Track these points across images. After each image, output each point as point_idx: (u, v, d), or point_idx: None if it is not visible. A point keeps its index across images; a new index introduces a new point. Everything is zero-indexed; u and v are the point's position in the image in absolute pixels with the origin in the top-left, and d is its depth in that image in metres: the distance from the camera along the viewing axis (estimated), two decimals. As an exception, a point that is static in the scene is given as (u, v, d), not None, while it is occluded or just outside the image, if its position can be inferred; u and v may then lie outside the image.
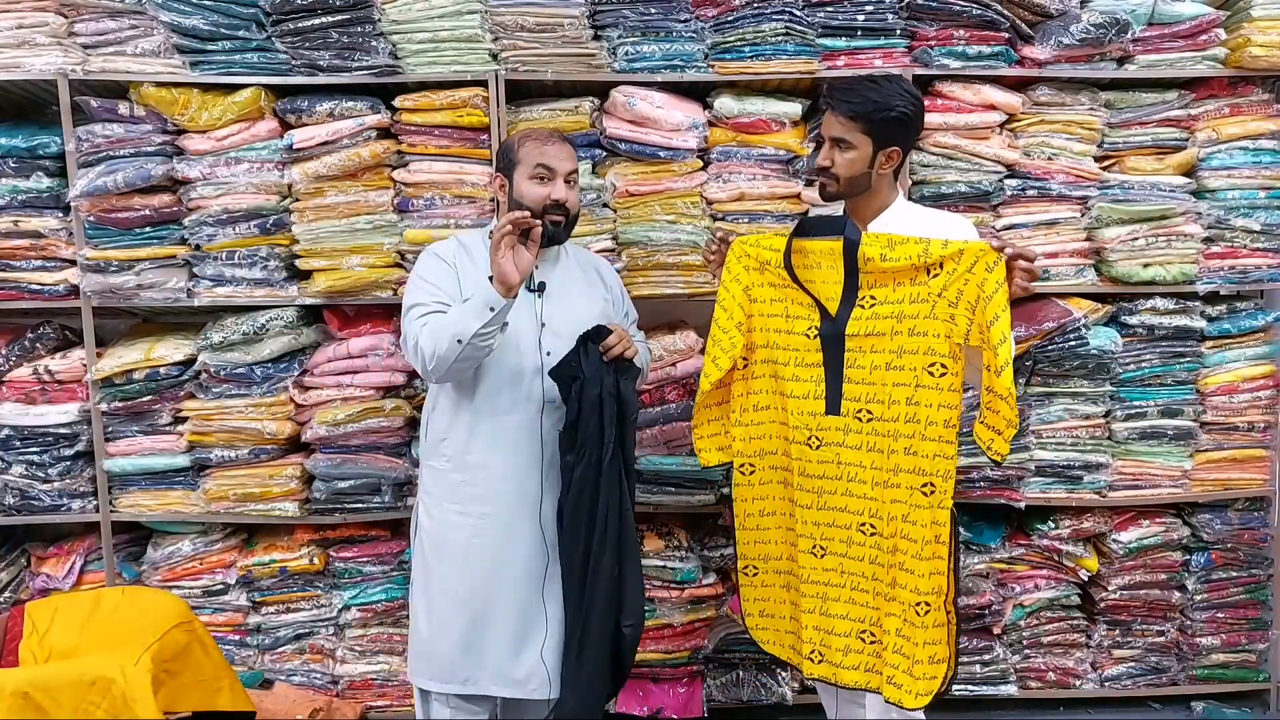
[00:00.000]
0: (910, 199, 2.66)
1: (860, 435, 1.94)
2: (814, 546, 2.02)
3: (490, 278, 1.90)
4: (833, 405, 1.95)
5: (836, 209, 2.18)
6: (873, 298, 1.90)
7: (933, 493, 1.85)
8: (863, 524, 1.95)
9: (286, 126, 2.68)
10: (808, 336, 1.98)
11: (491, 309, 1.88)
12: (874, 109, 1.94)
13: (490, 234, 2.03)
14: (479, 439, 2.09)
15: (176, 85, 2.60)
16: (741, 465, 2.11)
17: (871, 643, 1.97)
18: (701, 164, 2.73)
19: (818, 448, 1.98)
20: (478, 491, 2.09)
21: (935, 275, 1.83)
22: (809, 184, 2.68)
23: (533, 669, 2.10)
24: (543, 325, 2.09)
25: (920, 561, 1.87)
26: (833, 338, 1.93)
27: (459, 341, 1.89)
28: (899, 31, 2.66)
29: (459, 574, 2.10)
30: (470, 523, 2.09)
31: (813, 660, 2.04)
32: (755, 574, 2.14)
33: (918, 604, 1.87)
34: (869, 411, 1.92)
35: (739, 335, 2.04)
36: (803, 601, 2.05)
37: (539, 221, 1.92)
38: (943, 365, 1.83)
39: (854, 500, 1.96)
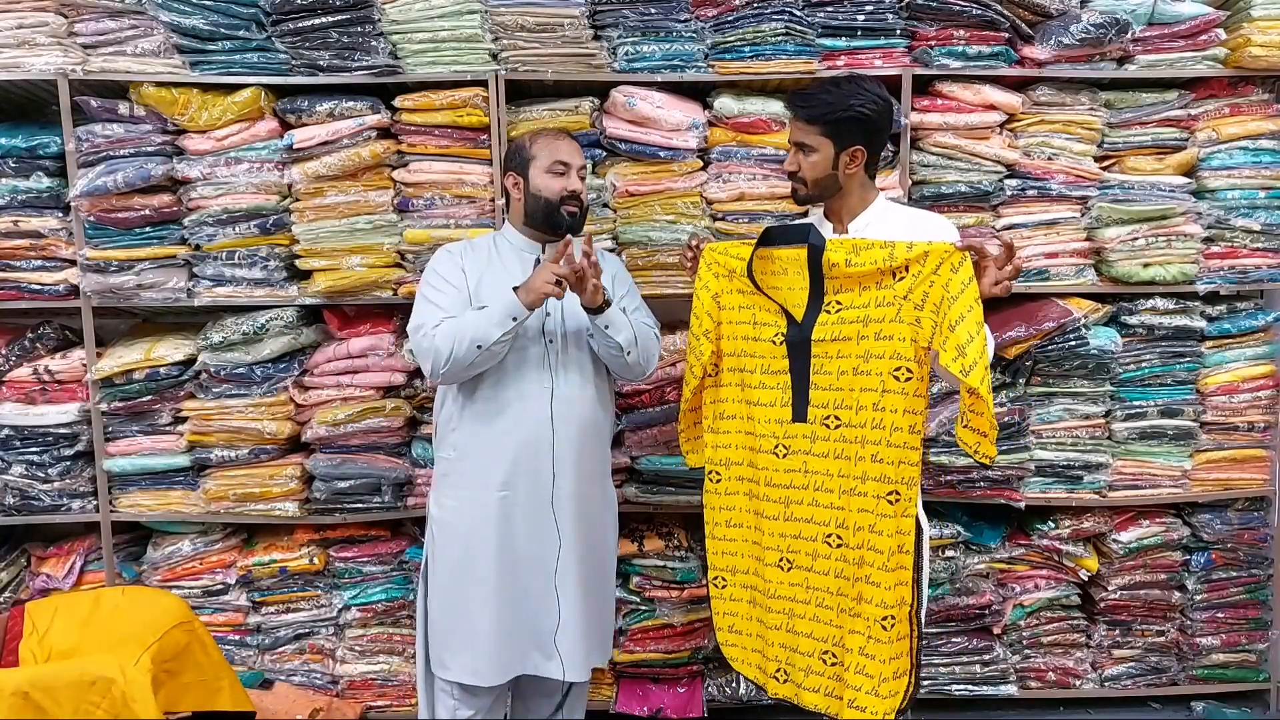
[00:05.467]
0: (910, 199, 2.67)
1: (828, 443, 1.90)
2: (780, 559, 1.98)
3: (515, 289, 2.02)
4: (799, 413, 1.93)
5: (817, 211, 2.18)
6: (839, 303, 1.88)
7: (897, 501, 1.83)
8: (829, 535, 1.91)
9: (286, 126, 2.68)
10: (774, 343, 1.96)
11: (514, 319, 2.00)
12: (828, 110, 1.93)
13: (497, 240, 2.19)
14: (489, 427, 2.11)
15: (176, 85, 2.60)
16: (711, 473, 2.09)
17: (832, 664, 1.94)
18: (701, 164, 2.73)
19: (784, 456, 1.96)
20: (489, 478, 2.11)
21: (901, 278, 1.81)
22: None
23: (547, 653, 2.16)
24: (547, 314, 2.15)
25: (886, 573, 1.84)
26: (799, 343, 1.92)
27: (478, 347, 2.00)
28: (899, 31, 2.66)
29: (471, 561, 2.13)
30: (479, 510, 2.12)
31: (778, 679, 2.02)
32: (724, 586, 2.11)
33: (884, 618, 1.84)
34: (836, 418, 1.89)
35: (708, 343, 2.04)
36: (769, 617, 2.02)
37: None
38: (908, 370, 1.81)
39: (820, 510, 1.92)
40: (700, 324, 2.04)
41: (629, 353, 2.14)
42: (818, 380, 1.91)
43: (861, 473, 1.87)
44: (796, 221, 2.16)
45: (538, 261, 2.19)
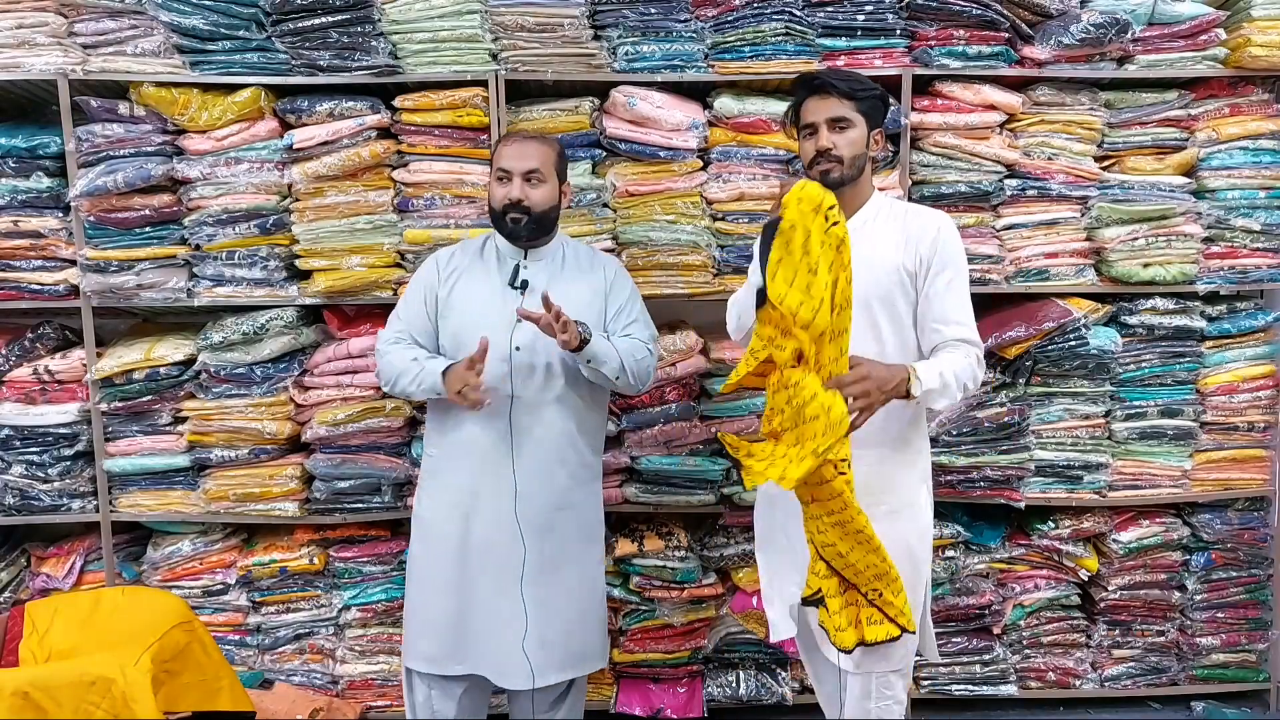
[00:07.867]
0: (910, 199, 2.67)
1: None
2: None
3: (445, 371, 2.08)
4: None
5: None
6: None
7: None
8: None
9: (286, 126, 2.68)
10: None
11: (437, 394, 2.10)
12: (862, 88, 1.97)
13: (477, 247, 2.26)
14: (456, 431, 2.16)
15: (176, 85, 2.60)
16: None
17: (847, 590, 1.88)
18: (701, 164, 2.73)
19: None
20: (458, 481, 2.17)
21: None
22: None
23: (514, 661, 2.14)
24: (518, 321, 2.08)
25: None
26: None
27: (403, 392, 2.17)
28: (899, 31, 2.66)
29: (441, 557, 2.18)
30: (447, 509, 2.17)
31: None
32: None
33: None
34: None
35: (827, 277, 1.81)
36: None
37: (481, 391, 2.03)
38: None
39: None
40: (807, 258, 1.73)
41: (618, 379, 2.11)
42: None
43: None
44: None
45: (517, 269, 2.16)
